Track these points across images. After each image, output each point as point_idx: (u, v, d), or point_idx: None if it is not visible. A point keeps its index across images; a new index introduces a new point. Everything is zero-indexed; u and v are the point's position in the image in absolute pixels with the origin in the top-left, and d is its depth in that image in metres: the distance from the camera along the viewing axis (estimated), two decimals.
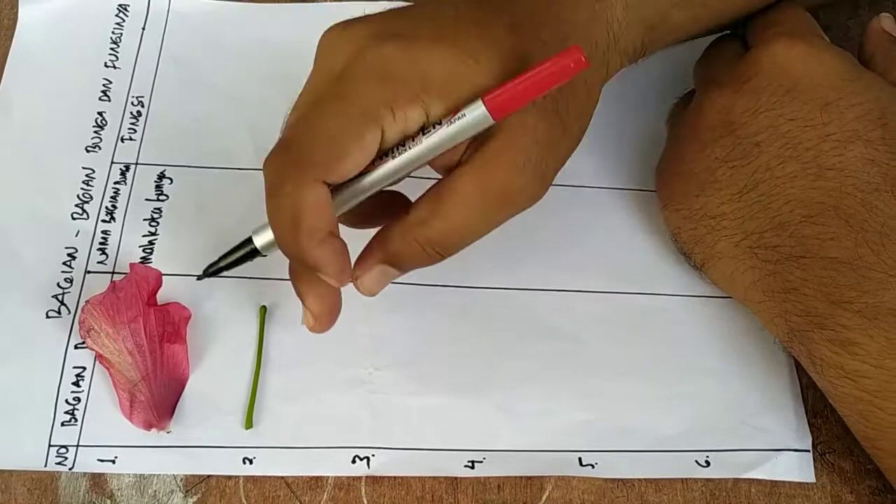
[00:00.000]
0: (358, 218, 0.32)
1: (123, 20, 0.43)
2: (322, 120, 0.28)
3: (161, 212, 0.38)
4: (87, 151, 0.39)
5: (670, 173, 0.35)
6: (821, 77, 0.31)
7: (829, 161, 0.30)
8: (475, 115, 0.27)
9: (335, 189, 0.28)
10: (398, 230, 0.29)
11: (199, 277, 0.32)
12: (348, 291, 0.36)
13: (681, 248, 0.36)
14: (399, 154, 0.28)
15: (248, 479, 0.33)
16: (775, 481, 0.34)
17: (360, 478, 0.33)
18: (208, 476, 0.33)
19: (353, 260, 0.30)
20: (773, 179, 0.31)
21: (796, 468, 0.34)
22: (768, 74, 0.32)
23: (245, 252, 0.31)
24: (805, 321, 0.31)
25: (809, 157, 0.31)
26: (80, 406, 0.33)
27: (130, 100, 0.41)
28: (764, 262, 0.32)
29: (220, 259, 0.31)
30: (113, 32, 0.42)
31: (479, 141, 0.28)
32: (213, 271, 0.31)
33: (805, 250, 0.31)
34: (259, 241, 0.30)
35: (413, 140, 0.28)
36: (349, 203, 0.29)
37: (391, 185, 0.29)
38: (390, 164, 0.28)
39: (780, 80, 0.31)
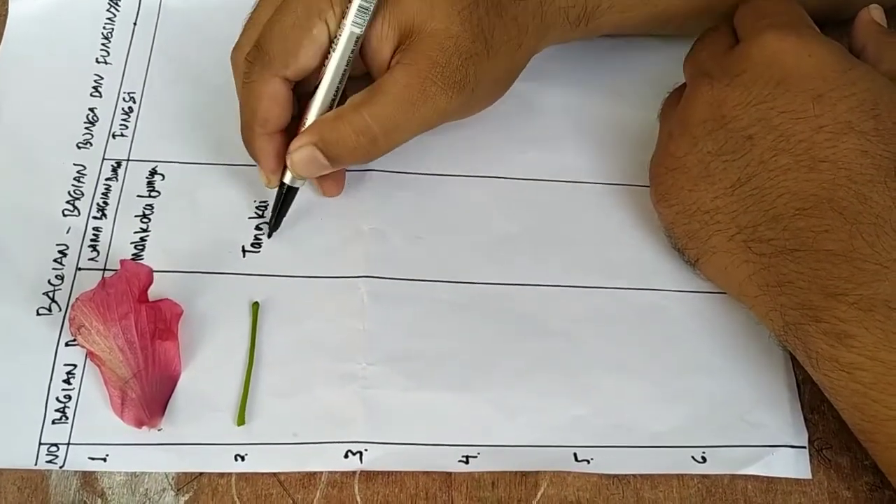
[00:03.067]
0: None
1: (115, 15, 0.42)
2: (279, 19, 0.33)
3: (153, 208, 0.37)
4: (79, 148, 0.39)
5: (663, 168, 0.35)
6: (812, 69, 0.31)
7: (822, 153, 0.30)
8: None
9: (306, 94, 0.34)
10: (333, 115, 0.33)
11: (270, 235, 0.37)
12: (341, 289, 0.36)
13: (675, 244, 0.36)
14: (336, 42, 0.33)
15: (240, 477, 0.33)
16: (772, 478, 0.33)
17: (353, 475, 0.33)
18: (200, 474, 0.33)
19: None
20: (766, 172, 0.31)
21: (793, 464, 0.34)
22: (759, 67, 0.32)
23: (283, 194, 0.36)
24: (800, 314, 0.30)
25: (802, 150, 0.30)
26: (71, 404, 0.33)
27: (122, 95, 0.40)
28: (758, 256, 0.32)
29: (273, 212, 0.36)
30: (104, 28, 0.42)
31: (408, 43, 0.32)
32: (274, 224, 0.36)
33: (799, 243, 0.30)
34: (286, 178, 0.35)
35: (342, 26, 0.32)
36: (320, 103, 0.34)
37: (343, 80, 0.34)
38: (334, 56, 0.33)
39: (772, 72, 0.31)
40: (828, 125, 0.30)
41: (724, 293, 0.36)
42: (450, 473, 0.33)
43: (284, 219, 0.37)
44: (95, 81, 0.41)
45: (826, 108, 0.30)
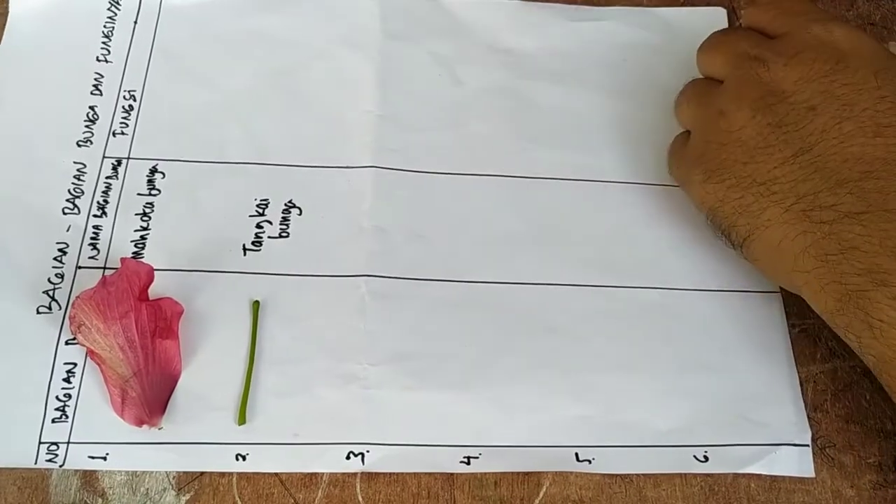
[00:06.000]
0: None
1: (115, 14, 0.42)
2: None
3: (153, 206, 0.37)
4: (79, 146, 0.39)
5: (714, 145, 0.34)
6: (867, 50, 0.32)
7: (886, 119, 0.31)
8: None
9: None
10: None
11: None
12: (342, 287, 0.36)
13: (719, 225, 0.35)
14: None
15: (241, 476, 0.33)
16: (775, 476, 0.33)
17: (354, 474, 0.33)
18: (201, 474, 0.33)
19: None
20: (829, 140, 0.31)
21: (796, 463, 0.33)
22: (816, 49, 0.33)
23: None
24: (866, 280, 0.30)
25: (866, 117, 0.31)
26: (71, 403, 0.33)
27: (122, 94, 0.40)
28: (818, 225, 0.31)
29: None
30: (105, 26, 0.42)
31: None
32: None
33: (866, 205, 0.30)
34: None
35: None
36: None
37: None
38: None
39: (829, 53, 0.32)
40: (889, 96, 0.31)
41: (728, 291, 0.36)
42: (452, 473, 0.33)
43: (288, 222, 0.37)
44: (96, 80, 0.40)
45: (886, 81, 0.31)
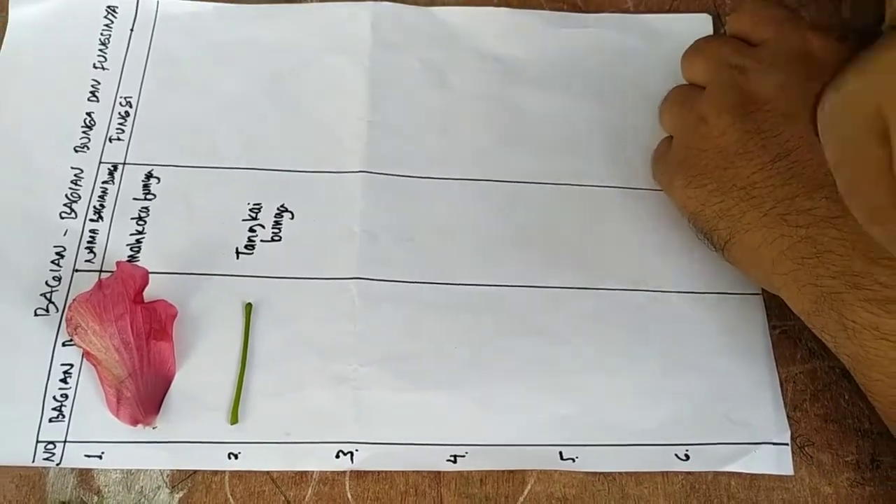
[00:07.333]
0: None
1: (112, 21, 0.43)
2: None
3: (148, 211, 0.38)
4: (76, 151, 0.39)
5: (695, 150, 0.35)
6: (843, 57, 0.33)
7: None
8: None
9: None
10: None
11: None
12: (332, 290, 0.37)
13: (702, 228, 0.35)
14: None
15: (233, 474, 0.33)
16: (755, 474, 0.34)
17: (344, 472, 0.34)
18: (194, 472, 0.33)
19: None
20: (806, 146, 0.32)
21: (775, 461, 0.34)
22: (793, 57, 0.34)
23: None
24: (839, 283, 0.30)
25: None
26: (68, 403, 0.34)
27: (118, 100, 0.41)
28: (795, 228, 0.32)
29: None
30: (101, 34, 0.43)
31: None
32: None
33: (840, 209, 0.31)
34: None
35: None
36: None
37: None
38: None
39: (806, 61, 0.33)
40: None
41: (709, 293, 0.37)
42: (439, 471, 0.34)
43: (280, 226, 0.38)
44: (93, 86, 0.41)
45: None
